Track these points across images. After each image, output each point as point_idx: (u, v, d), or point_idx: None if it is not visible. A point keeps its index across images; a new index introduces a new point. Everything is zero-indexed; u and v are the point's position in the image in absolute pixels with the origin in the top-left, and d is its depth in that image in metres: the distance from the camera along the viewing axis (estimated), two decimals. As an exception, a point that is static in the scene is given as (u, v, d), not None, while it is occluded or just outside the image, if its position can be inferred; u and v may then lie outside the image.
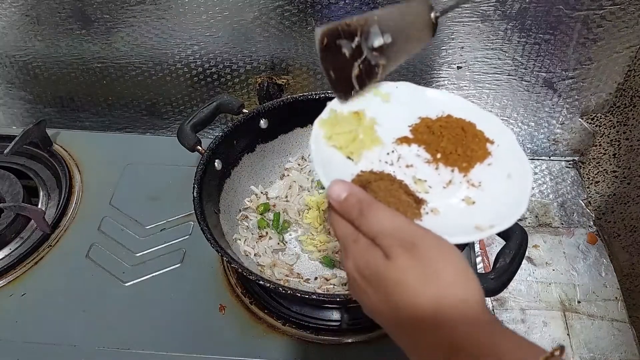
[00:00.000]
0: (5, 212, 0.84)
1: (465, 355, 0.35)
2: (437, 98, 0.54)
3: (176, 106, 1.05)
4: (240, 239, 0.79)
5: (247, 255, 0.77)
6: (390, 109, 0.53)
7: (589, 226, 0.94)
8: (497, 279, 0.59)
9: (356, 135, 0.50)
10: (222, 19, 0.89)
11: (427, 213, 0.45)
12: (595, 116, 0.97)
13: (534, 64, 0.91)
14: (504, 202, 0.45)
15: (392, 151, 0.50)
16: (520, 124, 1.00)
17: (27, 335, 0.73)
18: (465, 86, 0.96)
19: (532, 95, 0.95)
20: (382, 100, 0.53)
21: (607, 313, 0.83)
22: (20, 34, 0.95)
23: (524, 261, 0.64)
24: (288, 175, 0.88)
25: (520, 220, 0.45)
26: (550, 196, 0.98)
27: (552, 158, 1.04)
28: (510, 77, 0.93)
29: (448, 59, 0.92)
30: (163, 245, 0.82)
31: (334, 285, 0.75)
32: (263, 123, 0.83)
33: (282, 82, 0.98)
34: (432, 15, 0.50)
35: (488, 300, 0.83)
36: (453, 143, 0.50)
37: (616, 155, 0.96)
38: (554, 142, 1.03)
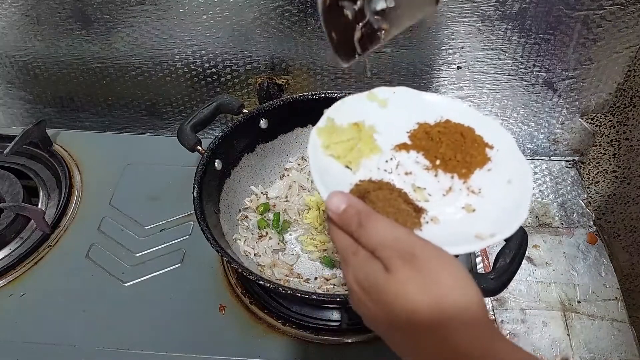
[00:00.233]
0: (5, 212, 0.84)
1: None
2: (435, 102, 0.54)
3: (176, 106, 1.05)
4: (240, 239, 0.79)
5: (247, 255, 0.77)
6: (387, 115, 0.52)
7: (589, 226, 0.94)
8: (497, 279, 0.59)
9: (354, 144, 0.50)
10: (222, 19, 0.89)
11: (427, 222, 0.45)
12: (595, 116, 0.97)
13: (534, 64, 0.91)
14: (505, 209, 0.45)
15: (391, 158, 0.50)
16: (520, 124, 1.01)
17: (27, 336, 0.73)
18: (465, 86, 0.96)
19: (532, 95, 0.95)
20: (379, 106, 0.53)
21: (607, 313, 0.83)
22: (20, 34, 0.95)
23: (524, 261, 0.64)
24: (288, 175, 0.88)
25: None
26: (550, 196, 0.98)
27: (552, 158, 1.04)
28: (510, 77, 0.93)
29: (448, 59, 0.92)
30: (163, 246, 0.82)
31: (334, 285, 0.75)
32: (263, 123, 0.83)
33: (282, 82, 0.98)
34: None
35: (488, 300, 0.83)
36: (452, 149, 0.49)
37: (616, 155, 0.96)
38: (554, 142, 1.03)
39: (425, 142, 0.51)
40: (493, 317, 0.82)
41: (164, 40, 0.93)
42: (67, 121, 1.10)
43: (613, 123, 0.96)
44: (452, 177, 0.48)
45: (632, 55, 0.88)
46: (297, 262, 0.79)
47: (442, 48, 0.90)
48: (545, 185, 1.00)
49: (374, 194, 0.43)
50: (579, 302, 0.84)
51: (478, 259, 0.87)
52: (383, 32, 0.48)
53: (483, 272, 0.83)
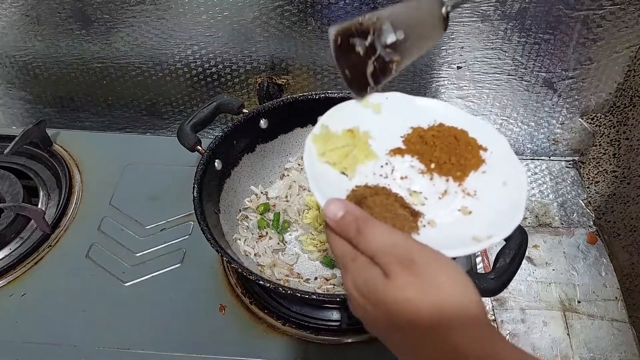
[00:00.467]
0: (5, 212, 0.84)
1: None
2: (428, 106, 0.54)
3: (176, 106, 1.05)
4: (240, 239, 0.79)
5: (247, 255, 0.77)
6: (381, 120, 0.52)
7: (589, 226, 0.94)
8: (497, 279, 0.59)
9: (349, 150, 0.50)
10: (222, 19, 0.89)
11: (424, 226, 0.45)
12: (595, 116, 0.97)
13: (534, 64, 0.91)
14: (501, 210, 0.45)
15: (386, 163, 0.50)
16: (520, 124, 1.00)
17: (27, 336, 0.73)
18: (465, 86, 0.96)
19: (532, 95, 0.95)
20: (373, 111, 0.53)
21: (607, 313, 0.83)
22: (20, 34, 0.95)
23: (524, 261, 0.64)
24: (288, 175, 0.88)
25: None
26: (550, 196, 0.98)
27: (552, 158, 1.04)
28: (510, 77, 0.93)
29: (448, 59, 0.92)
30: (163, 245, 0.82)
31: (334, 285, 0.75)
32: (263, 123, 0.83)
33: (282, 82, 0.98)
34: (443, 10, 0.50)
35: (488, 300, 0.83)
36: (446, 152, 0.50)
37: (616, 155, 0.96)
38: (554, 142, 1.03)
39: (419, 146, 0.51)
40: (493, 317, 0.82)
41: (164, 40, 0.93)
42: (67, 121, 1.10)
43: (613, 123, 0.96)
44: (447, 180, 0.49)
45: (632, 55, 0.88)
46: (297, 262, 0.79)
47: (442, 48, 0.90)
48: (545, 185, 1.00)
49: (370, 200, 0.44)
50: (579, 302, 0.84)
51: (478, 259, 0.87)
52: (394, 63, 0.49)
53: (483, 272, 0.82)
